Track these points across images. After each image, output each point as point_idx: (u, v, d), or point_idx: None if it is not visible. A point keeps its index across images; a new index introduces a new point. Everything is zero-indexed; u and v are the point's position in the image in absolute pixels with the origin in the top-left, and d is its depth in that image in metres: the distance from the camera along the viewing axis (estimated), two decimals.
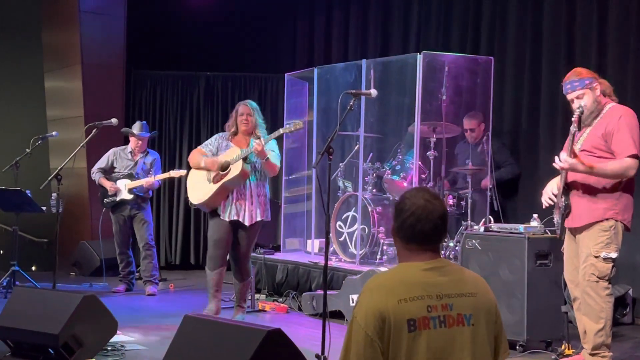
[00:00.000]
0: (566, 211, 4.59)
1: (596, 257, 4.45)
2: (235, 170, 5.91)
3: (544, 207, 4.84)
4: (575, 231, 4.62)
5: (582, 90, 4.50)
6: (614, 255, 4.45)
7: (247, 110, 6.05)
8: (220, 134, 6.30)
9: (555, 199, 4.65)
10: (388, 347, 2.22)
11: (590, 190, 4.50)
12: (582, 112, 4.43)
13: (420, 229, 2.34)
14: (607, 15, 6.67)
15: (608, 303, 4.47)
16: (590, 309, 4.48)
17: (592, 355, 4.51)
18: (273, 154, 5.98)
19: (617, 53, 6.56)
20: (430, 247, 2.38)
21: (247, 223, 5.97)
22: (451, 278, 2.36)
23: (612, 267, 4.47)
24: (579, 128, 4.47)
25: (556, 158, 4.53)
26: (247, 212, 5.96)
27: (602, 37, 6.69)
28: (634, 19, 6.48)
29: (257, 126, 6.09)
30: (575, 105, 4.53)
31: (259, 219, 6.01)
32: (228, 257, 6.15)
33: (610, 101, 4.58)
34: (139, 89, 9.81)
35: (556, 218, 4.70)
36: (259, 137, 5.99)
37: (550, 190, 4.69)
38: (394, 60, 7.49)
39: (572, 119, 4.43)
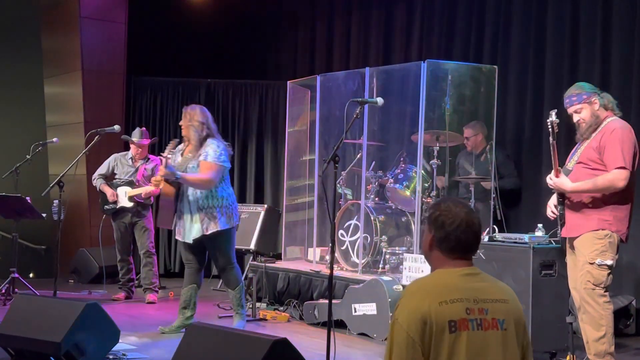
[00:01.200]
0: (561, 221, 4.64)
1: (591, 263, 4.48)
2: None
3: (551, 219, 4.84)
4: (572, 240, 4.65)
5: (580, 105, 4.59)
6: (609, 262, 4.47)
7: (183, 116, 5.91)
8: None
9: (557, 212, 4.69)
10: (430, 348, 2.30)
11: (583, 202, 4.55)
12: (551, 123, 4.49)
13: (465, 239, 2.45)
14: (611, 25, 6.66)
15: (607, 310, 4.49)
16: (590, 317, 4.50)
17: None
18: (195, 170, 5.73)
19: (621, 63, 6.55)
20: (468, 256, 2.49)
21: (186, 240, 5.86)
22: (485, 285, 2.46)
23: (608, 274, 4.50)
24: (554, 137, 4.52)
25: (547, 177, 4.62)
26: (186, 229, 5.81)
27: (606, 47, 6.68)
28: (638, 30, 6.47)
29: (189, 127, 5.82)
30: (575, 119, 4.60)
31: (204, 233, 5.76)
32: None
33: (612, 115, 4.62)
34: (139, 96, 9.78)
35: (560, 230, 4.73)
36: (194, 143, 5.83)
37: (553, 203, 4.74)
38: (398, 68, 7.48)
39: (549, 129, 4.51)
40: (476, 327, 2.33)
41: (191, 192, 5.79)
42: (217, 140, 5.79)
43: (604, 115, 4.58)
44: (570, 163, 4.66)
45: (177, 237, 6.01)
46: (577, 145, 4.71)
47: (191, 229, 5.80)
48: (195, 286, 6.04)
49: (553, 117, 4.52)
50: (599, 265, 4.45)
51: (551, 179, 4.59)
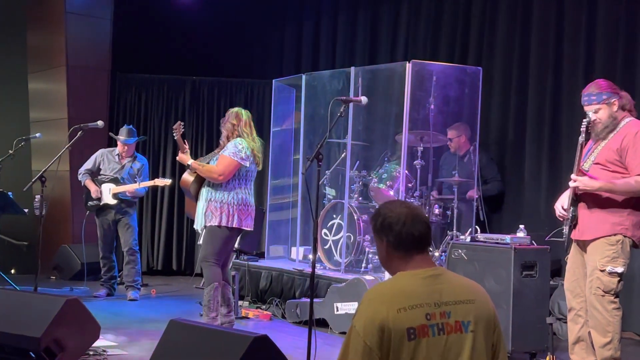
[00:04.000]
0: (572, 222, 4.56)
1: (602, 271, 4.41)
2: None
3: (560, 219, 4.75)
4: (583, 244, 4.58)
5: (599, 105, 4.47)
6: (620, 269, 4.40)
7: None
8: None
9: (565, 214, 4.60)
10: (387, 356, 2.26)
11: (600, 205, 4.46)
12: (589, 122, 4.43)
13: (419, 232, 2.42)
14: (595, 28, 6.71)
15: (615, 317, 4.43)
16: (597, 323, 4.45)
17: None
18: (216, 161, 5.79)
19: (605, 66, 6.60)
20: (426, 251, 2.45)
21: (195, 227, 5.95)
22: (449, 286, 2.40)
23: (619, 281, 4.42)
24: (586, 138, 4.45)
25: (571, 177, 4.50)
26: (197, 217, 5.88)
27: (590, 50, 6.73)
28: (622, 32, 6.52)
29: (223, 127, 5.94)
30: (591, 118, 4.48)
31: (208, 224, 5.77)
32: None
33: (629, 115, 4.54)
34: (124, 92, 9.74)
35: (565, 229, 4.66)
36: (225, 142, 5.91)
37: (561, 205, 4.66)
38: (383, 68, 7.50)
39: (581, 129, 4.42)
40: (437, 332, 2.30)
41: (207, 184, 5.85)
42: (242, 140, 5.80)
43: (621, 116, 4.50)
44: (586, 164, 4.54)
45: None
46: (589, 145, 4.58)
47: (199, 218, 5.85)
48: (215, 284, 5.83)
49: (591, 116, 4.47)
50: (609, 272, 4.39)
51: (575, 179, 4.45)
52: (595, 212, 4.47)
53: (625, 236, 4.41)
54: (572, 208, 4.54)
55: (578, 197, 4.54)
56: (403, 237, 2.41)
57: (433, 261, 2.47)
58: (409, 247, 2.42)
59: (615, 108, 4.48)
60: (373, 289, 2.43)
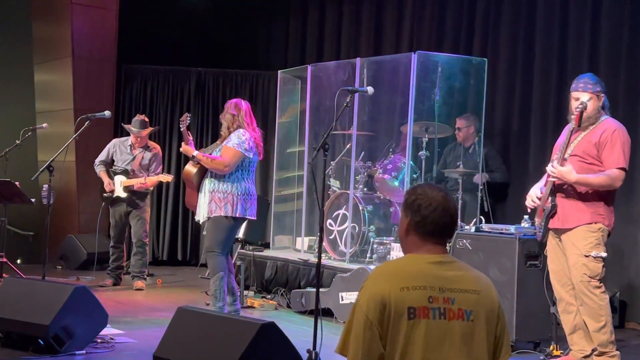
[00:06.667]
0: (552, 212, 4.67)
1: (587, 256, 4.53)
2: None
3: (528, 210, 4.89)
4: (560, 232, 4.69)
5: (592, 94, 4.60)
6: (604, 254, 4.55)
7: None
8: None
9: (538, 202, 4.72)
10: (387, 332, 2.30)
11: (578, 194, 4.60)
12: (585, 108, 4.51)
13: (443, 222, 2.44)
14: (599, 19, 6.72)
15: (604, 300, 4.57)
16: (589, 309, 4.56)
17: (601, 354, 4.57)
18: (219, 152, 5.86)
19: (609, 57, 6.61)
20: (443, 241, 2.48)
21: (197, 219, 6.03)
22: (456, 274, 2.43)
23: (603, 266, 4.57)
24: (580, 125, 4.54)
25: (549, 165, 4.62)
26: (199, 209, 5.95)
27: (594, 41, 6.74)
28: (626, 23, 6.53)
29: (223, 118, 6.01)
30: (575, 105, 4.59)
31: (211, 215, 5.85)
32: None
33: (604, 114, 4.69)
34: (129, 83, 9.76)
35: (537, 221, 4.78)
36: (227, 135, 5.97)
37: (534, 193, 4.78)
38: (388, 59, 7.51)
39: (573, 116, 4.51)
40: (438, 316, 2.32)
41: (210, 175, 5.90)
42: (245, 131, 5.86)
43: (602, 113, 4.65)
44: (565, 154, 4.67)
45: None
46: (565, 132, 4.71)
47: (202, 209, 5.91)
48: (221, 274, 5.90)
49: (584, 99, 4.56)
50: (594, 257, 4.52)
51: (555, 167, 4.58)
52: (574, 201, 4.61)
53: (603, 224, 4.57)
54: (550, 197, 4.64)
55: (556, 187, 4.67)
56: (426, 222, 2.43)
57: (445, 250, 2.49)
58: (429, 233, 2.44)
59: (600, 103, 4.64)
60: (380, 266, 2.48)
